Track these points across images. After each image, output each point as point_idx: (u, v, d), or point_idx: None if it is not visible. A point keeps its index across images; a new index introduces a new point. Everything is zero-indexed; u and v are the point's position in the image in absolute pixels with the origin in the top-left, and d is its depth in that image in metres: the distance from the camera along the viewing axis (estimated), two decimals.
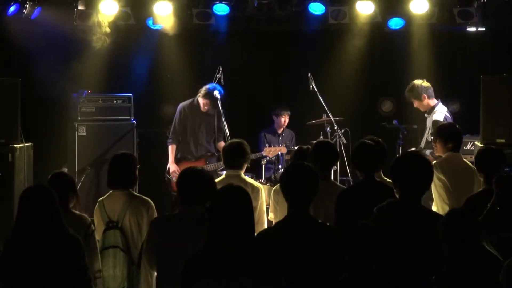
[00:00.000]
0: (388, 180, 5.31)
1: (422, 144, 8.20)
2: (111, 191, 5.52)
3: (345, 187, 6.28)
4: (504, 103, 7.43)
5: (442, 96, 8.58)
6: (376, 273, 3.88)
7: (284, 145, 9.28)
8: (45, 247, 4.25)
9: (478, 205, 4.91)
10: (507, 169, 5.04)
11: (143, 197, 5.52)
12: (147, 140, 9.57)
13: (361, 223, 4.02)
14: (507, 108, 7.40)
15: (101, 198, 5.55)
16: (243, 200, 3.93)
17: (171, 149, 8.85)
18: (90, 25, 8.82)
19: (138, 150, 8.88)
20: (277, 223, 4.61)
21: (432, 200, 6.47)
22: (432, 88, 8.27)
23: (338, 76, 9.98)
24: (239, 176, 6.17)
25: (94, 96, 8.94)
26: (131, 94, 9.04)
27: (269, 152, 8.84)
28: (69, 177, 5.42)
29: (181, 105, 8.92)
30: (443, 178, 6.29)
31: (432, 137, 7.93)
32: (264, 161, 8.86)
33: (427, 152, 7.82)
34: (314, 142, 6.85)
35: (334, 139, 8.76)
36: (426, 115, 8.26)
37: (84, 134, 8.79)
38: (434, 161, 6.47)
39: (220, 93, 8.59)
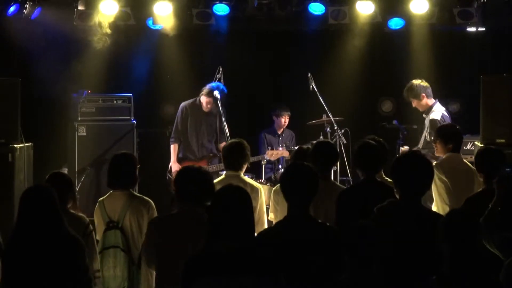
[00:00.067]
0: (389, 180, 5.31)
1: (420, 144, 8.21)
2: (111, 191, 5.52)
3: (345, 187, 6.28)
4: (504, 103, 7.42)
5: (442, 96, 8.59)
6: (376, 273, 3.88)
7: (284, 145, 9.29)
8: (45, 247, 4.26)
9: (478, 205, 4.91)
10: (508, 169, 5.04)
11: (144, 197, 5.52)
12: (147, 140, 9.57)
13: (361, 223, 4.03)
14: (507, 108, 7.40)
15: (101, 198, 5.55)
16: (243, 200, 3.93)
17: (173, 149, 8.85)
18: (91, 25, 8.82)
19: (138, 150, 8.88)
20: (277, 223, 4.61)
21: (431, 200, 6.47)
22: (430, 88, 8.28)
23: (338, 76, 9.98)
24: (238, 176, 6.17)
25: (94, 96, 8.94)
26: (131, 94, 9.04)
27: (271, 155, 8.84)
28: (67, 178, 5.42)
29: (182, 104, 8.93)
30: (444, 178, 6.29)
31: (430, 137, 7.97)
32: (264, 161, 8.85)
33: (424, 152, 7.85)
34: (314, 142, 6.85)
35: (334, 139, 8.76)
36: (424, 115, 8.27)
37: (84, 134, 8.79)
38: (435, 162, 6.47)
39: (223, 92, 8.59)
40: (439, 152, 6.63)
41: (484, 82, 7.54)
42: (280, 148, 9.11)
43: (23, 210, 4.35)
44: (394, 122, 9.16)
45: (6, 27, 8.66)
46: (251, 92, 10.17)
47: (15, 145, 7.54)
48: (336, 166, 8.17)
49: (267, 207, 6.33)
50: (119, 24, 9.02)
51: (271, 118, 9.92)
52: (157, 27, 9.15)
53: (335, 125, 8.80)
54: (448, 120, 8.01)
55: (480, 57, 9.93)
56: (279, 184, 4.97)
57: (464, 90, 9.68)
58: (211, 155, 8.80)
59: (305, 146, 6.55)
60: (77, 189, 8.45)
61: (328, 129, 9.04)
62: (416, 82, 8.31)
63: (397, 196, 4.50)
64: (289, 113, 9.83)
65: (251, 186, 6.10)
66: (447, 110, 8.44)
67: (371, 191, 5.23)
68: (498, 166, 5.36)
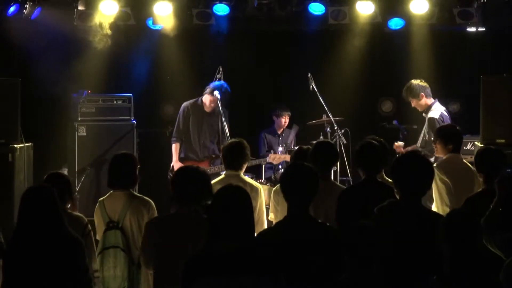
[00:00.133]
0: (389, 180, 5.32)
1: (419, 143, 8.22)
2: (111, 191, 5.52)
3: (345, 187, 6.28)
4: (504, 103, 7.42)
5: (442, 96, 8.59)
6: (376, 273, 3.88)
7: (284, 145, 9.29)
8: (46, 247, 4.26)
9: (478, 205, 4.91)
10: (509, 170, 5.04)
11: (144, 197, 5.52)
12: (147, 140, 9.57)
13: (361, 223, 4.03)
14: (507, 108, 7.40)
15: (101, 198, 5.55)
16: (243, 200, 3.93)
17: (175, 148, 8.83)
18: (91, 26, 8.82)
19: (138, 150, 8.88)
20: (277, 223, 4.61)
21: (431, 200, 6.47)
22: (429, 88, 8.29)
23: (338, 76, 9.98)
24: (238, 176, 6.17)
25: (94, 96, 8.94)
26: (131, 94, 9.04)
27: (274, 159, 8.85)
28: (65, 178, 5.42)
29: (184, 104, 8.91)
30: (446, 179, 6.29)
31: (428, 136, 7.98)
32: (264, 161, 8.87)
33: (422, 150, 7.88)
34: (314, 142, 6.85)
35: (334, 139, 8.76)
36: (424, 114, 8.27)
37: (84, 134, 8.79)
38: (436, 163, 6.48)
39: (227, 91, 8.58)
40: (439, 153, 6.64)
41: (484, 82, 7.53)
42: (280, 149, 9.12)
43: (24, 210, 4.36)
44: (394, 122, 9.17)
45: (6, 27, 8.67)
46: (251, 92, 10.17)
47: (15, 145, 7.54)
48: (336, 166, 8.17)
49: (267, 207, 6.34)
50: (119, 24, 9.02)
51: (271, 118, 9.93)
52: (157, 27, 9.15)
53: (335, 125, 8.80)
54: (447, 120, 8.01)
55: (480, 57, 9.93)
56: (279, 184, 4.97)
57: (464, 90, 9.69)
58: (213, 156, 8.78)
59: (305, 146, 6.55)
60: (77, 189, 8.46)
61: (328, 129, 9.04)
62: (415, 82, 8.32)
63: (397, 196, 4.51)
64: (289, 113, 9.83)
65: (251, 185, 6.10)
66: (447, 109, 8.44)
67: (372, 191, 5.23)
68: (498, 166, 5.36)
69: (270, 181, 8.61)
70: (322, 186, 4.54)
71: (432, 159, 7.29)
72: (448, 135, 6.58)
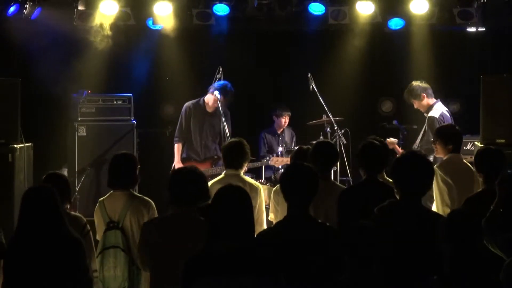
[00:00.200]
0: (390, 180, 5.32)
1: (417, 142, 8.23)
2: (111, 191, 5.52)
3: (345, 187, 6.28)
4: (504, 103, 7.42)
5: (442, 96, 8.59)
6: (376, 273, 3.88)
7: (284, 145, 9.29)
8: (46, 247, 4.26)
9: (478, 205, 4.91)
10: (510, 171, 5.03)
11: (144, 197, 5.52)
12: (147, 140, 9.57)
13: (361, 223, 4.03)
14: (507, 108, 7.39)
15: (101, 198, 5.55)
16: (243, 200, 3.94)
17: (177, 148, 8.82)
18: (93, 27, 8.82)
19: (138, 150, 8.88)
20: (277, 223, 4.61)
21: (431, 200, 6.46)
22: (431, 89, 8.30)
23: (338, 76, 9.98)
24: (238, 176, 6.17)
25: (94, 96, 8.94)
26: (131, 95, 9.04)
27: (276, 162, 8.85)
28: (64, 178, 5.43)
29: (186, 104, 8.91)
30: (448, 180, 6.27)
31: (426, 134, 7.99)
32: (265, 164, 8.87)
33: (419, 148, 7.89)
34: (314, 142, 6.85)
35: (334, 139, 8.76)
36: (425, 114, 8.28)
37: (84, 134, 8.79)
38: (437, 163, 6.48)
39: (230, 90, 8.58)
40: (439, 153, 6.63)
41: (484, 82, 7.53)
42: (280, 149, 9.12)
43: (25, 210, 4.36)
44: (394, 122, 9.17)
45: (6, 27, 8.67)
46: (251, 92, 10.17)
47: (15, 145, 7.53)
48: (336, 166, 8.17)
49: (267, 207, 6.34)
50: (119, 24, 9.02)
51: (271, 118, 9.92)
52: (157, 27, 9.15)
53: (335, 125, 8.80)
54: (447, 120, 8.01)
55: (480, 57, 9.93)
56: (279, 184, 4.97)
57: (464, 90, 9.69)
58: (215, 157, 8.76)
59: (305, 146, 6.55)
60: (77, 189, 8.47)
61: (328, 129, 9.04)
62: (416, 83, 8.34)
63: (397, 196, 4.51)
64: (289, 113, 9.83)
65: (251, 185, 6.10)
66: (449, 110, 8.44)
67: (372, 191, 5.24)
68: (498, 166, 5.36)
69: (270, 181, 8.61)
70: (322, 186, 4.54)
71: (431, 159, 7.29)
72: (448, 135, 6.57)
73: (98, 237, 5.46)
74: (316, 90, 8.83)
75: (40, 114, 9.41)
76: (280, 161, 8.85)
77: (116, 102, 8.98)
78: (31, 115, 8.58)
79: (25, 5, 8.54)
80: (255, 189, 6.07)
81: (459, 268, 3.92)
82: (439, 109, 8.14)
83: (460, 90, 9.84)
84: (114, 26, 8.93)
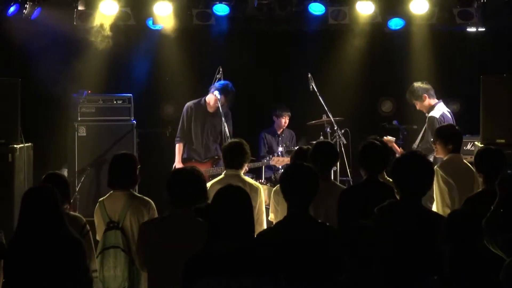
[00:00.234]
0: (391, 180, 5.32)
1: (417, 142, 8.23)
2: (111, 192, 5.52)
3: (345, 187, 6.29)
4: (504, 103, 7.42)
5: (442, 96, 8.59)
6: (376, 273, 3.88)
7: (284, 145, 9.29)
8: (47, 247, 4.26)
9: (478, 205, 4.91)
10: (510, 171, 5.03)
11: (144, 197, 5.52)
12: (147, 140, 9.57)
13: (361, 223, 4.03)
14: (507, 108, 7.39)
15: (101, 199, 5.55)
16: (243, 200, 3.94)
17: (178, 148, 8.82)
18: (94, 27, 8.82)
19: (138, 150, 8.87)
20: (277, 223, 4.61)
21: (432, 200, 6.46)
22: (433, 90, 8.31)
23: (338, 76, 9.98)
24: (238, 176, 6.17)
25: (94, 97, 8.94)
26: (131, 95, 9.03)
27: (277, 162, 8.85)
28: (63, 178, 5.42)
29: (188, 104, 8.91)
30: (450, 181, 6.25)
31: (426, 134, 7.99)
32: (266, 164, 8.87)
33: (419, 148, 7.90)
34: (314, 142, 6.85)
35: (334, 140, 8.76)
36: (427, 114, 8.28)
37: (84, 134, 8.78)
38: (438, 164, 6.47)
39: (232, 90, 8.58)
40: (439, 153, 6.63)
41: (484, 82, 7.53)
42: (280, 149, 9.12)
43: (25, 210, 4.35)
44: (394, 122, 9.17)
45: (6, 27, 8.67)
46: (251, 92, 10.17)
47: (15, 145, 7.53)
48: (336, 166, 8.17)
49: (267, 207, 6.34)
50: (119, 24, 9.02)
51: (271, 118, 9.92)
52: (157, 27, 9.15)
53: (335, 125, 8.80)
54: (448, 120, 8.01)
55: (480, 57, 9.93)
56: (279, 185, 4.97)
57: (464, 90, 9.69)
58: (216, 157, 8.75)
59: (305, 146, 6.55)
60: (77, 189, 8.47)
61: (328, 129, 9.04)
62: (417, 84, 8.35)
63: (397, 196, 4.51)
64: (289, 113, 9.83)
65: (251, 185, 6.10)
66: (452, 111, 8.43)
67: (373, 191, 5.23)
68: (497, 166, 5.36)
69: (270, 181, 8.61)
70: (322, 186, 4.54)
71: (430, 159, 7.29)
72: (447, 135, 6.57)
73: (98, 237, 5.46)
74: (316, 90, 8.83)
75: (40, 114, 9.41)
76: (281, 161, 8.85)
77: (116, 102, 8.98)
78: (31, 115, 8.57)
79: (25, 5, 8.54)
80: (255, 190, 6.07)
81: (459, 268, 3.92)
82: (440, 110, 8.15)
83: (460, 90, 9.84)
84: (114, 26, 8.93)
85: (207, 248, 3.85)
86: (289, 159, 8.64)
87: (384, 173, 5.78)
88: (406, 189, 4.43)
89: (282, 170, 7.85)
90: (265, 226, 6.04)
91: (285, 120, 9.80)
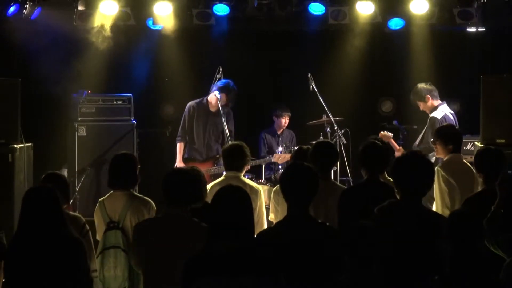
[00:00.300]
0: (392, 180, 5.32)
1: (417, 142, 8.23)
2: (111, 192, 5.52)
3: (345, 187, 6.28)
4: (504, 103, 7.42)
5: (442, 96, 8.59)
6: (376, 273, 3.88)
7: (284, 145, 9.28)
8: (47, 247, 4.26)
9: (478, 205, 4.91)
10: (510, 171, 5.03)
11: (144, 197, 5.52)
12: (147, 140, 9.57)
13: (361, 223, 4.03)
14: (507, 108, 7.39)
15: (101, 199, 5.55)
16: (243, 200, 3.94)
17: (179, 148, 8.81)
18: (94, 27, 8.82)
19: (138, 150, 8.88)
20: (277, 223, 4.61)
21: (432, 200, 6.46)
22: (436, 91, 8.32)
23: (338, 76, 9.98)
24: (238, 178, 6.17)
25: (94, 97, 8.94)
26: (131, 95, 9.04)
27: (278, 159, 8.85)
28: (63, 179, 5.42)
29: (189, 103, 8.90)
30: (452, 181, 6.24)
31: (426, 134, 7.99)
32: (268, 161, 8.88)
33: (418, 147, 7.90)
34: (314, 142, 6.85)
35: (334, 140, 8.76)
36: (430, 115, 8.29)
37: (84, 134, 8.79)
38: (439, 164, 6.47)
39: (233, 89, 8.59)
40: (440, 154, 6.63)
41: (484, 82, 7.53)
42: (280, 149, 9.11)
43: (26, 210, 4.35)
44: (394, 122, 9.17)
45: (6, 27, 8.67)
46: (251, 92, 10.17)
47: (15, 145, 7.53)
48: (336, 166, 8.17)
49: (267, 207, 6.34)
50: (119, 24, 9.02)
51: (271, 118, 9.92)
52: (157, 27, 9.15)
53: (335, 125, 8.80)
54: (450, 122, 7.99)
55: (480, 57, 9.93)
56: (279, 185, 4.97)
57: (464, 90, 9.68)
58: (217, 156, 8.75)
59: (305, 146, 6.55)
60: (77, 189, 8.47)
61: (328, 129, 9.04)
62: (421, 85, 8.38)
63: (398, 196, 4.51)
64: (289, 113, 9.82)
65: (251, 187, 6.10)
66: (454, 113, 8.42)
67: (373, 191, 5.23)
68: (497, 166, 5.36)
69: (270, 181, 8.60)
70: (322, 186, 4.54)
71: (433, 160, 7.29)
72: (448, 135, 6.57)
73: (98, 237, 5.46)
74: (316, 90, 8.83)
75: (40, 114, 9.41)
76: (282, 158, 8.85)
77: (116, 102, 8.98)
78: (31, 115, 8.57)
79: (25, 5, 8.54)
80: (255, 191, 6.07)
81: (459, 268, 3.92)
82: (443, 111, 8.16)
83: (460, 90, 9.84)
84: (114, 26, 8.93)
85: (207, 248, 3.85)
86: (290, 155, 8.66)
87: (385, 173, 5.78)
88: (406, 189, 4.43)
89: (282, 170, 7.86)
90: (265, 228, 6.03)
91: (285, 120, 9.79)
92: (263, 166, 8.87)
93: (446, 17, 8.98)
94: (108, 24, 8.85)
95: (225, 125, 8.40)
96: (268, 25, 9.55)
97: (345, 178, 8.86)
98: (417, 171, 4.43)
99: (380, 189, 5.22)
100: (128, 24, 9.09)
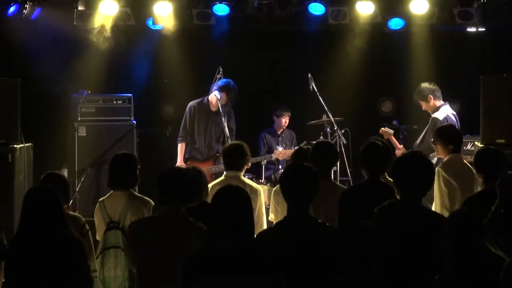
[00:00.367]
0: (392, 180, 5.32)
1: (417, 142, 8.23)
2: (111, 192, 5.52)
3: (345, 187, 6.28)
4: (504, 103, 7.42)
5: (442, 96, 8.59)
6: (376, 273, 3.88)
7: (284, 145, 9.28)
8: (47, 248, 4.26)
9: (478, 205, 4.91)
10: (510, 171, 5.03)
11: (144, 197, 5.52)
12: (147, 140, 9.57)
13: (361, 223, 4.03)
14: (507, 108, 7.40)
15: (101, 199, 5.55)
16: (243, 200, 3.93)
17: (180, 148, 8.81)
18: (94, 27, 8.82)
19: (138, 150, 8.87)
20: (277, 223, 4.61)
21: (431, 200, 6.45)
22: (439, 91, 8.32)
23: (338, 76, 9.98)
24: (238, 178, 6.17)
25: (94, 97, 8.94)
26: (131, 95, 9.04)
27: (279, 155, 8.84)
28: (63, 179, 5.42)
29: (190, 103, 8.90)
30: (452, 181, 6.24)
31: (428, 134, 7.99)
32: (264, 162, 8.85)
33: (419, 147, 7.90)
34: (314, 142, 6.85)
35: (334, 140, 8.76)
36: (432, 115, 8.28)
37: (84, 134, 8.79)
38: (440, 164, 6.47)
39: (234, 88, 8.59)
40: (440, 154, 6.62)
41: (484, 82, 7.53)
42: (280, 149, 9.10)
43: (26, 210, 4.35)
44: (394, 122, 9.17)
45: (6, 27, 8.67)
46: (251, 92, 10.16)
47: (15, 145, 7.53)
48: (336, 166, 8.17)
49: (267, 207, 6.34)
50: (119, 24, 9.02)
51: (271, 118, 9.92)
52: (157, 27, 9.15)
53: (335, 125, 8.80)
54: (452, 123, 7.98)
55: (480, 57, 9.93)
56: (279, 185, 4.97)
57: (464, 90, 9.68)
58: (217, 154, 8.74)
59: (305, 146, 6.55)
60: (77, 189, 8.47)
61: (328, 129, 9.04)
62: (424, 84, 8.38)
63: (398, 196, 4.51)
64: (290, 113, 9.83)
65: (251, 187, 6.10)
66: (457, 114, 8.41)
67: (373, 191, 5.23)
68: (497, 166, 5.36)
69: (270, 181, 8.60)
70: (322, 186, 4.53)
71: (434, 160, 7.28)
72: (448, 135, 6.57)
73: (98, 237, 5.46)
74: (316, 90, 8.83)
75: (40, 114, 9.41)
76: (283, 154, 8.84)
77: (116, 102, 8.98)
78: (31, 115, 8.57)
79: (25, 5, 8.54)
80: (255, 191, 6.07)
81: (459, 268, 3.92)
82: (444, 112, 8.16)
83: (460, 90, 9.83)
84: (114, 26, 8.93)
85: (207, 248, 3.85)
86: (291, 151, 8.65)
87: (386, 173, 5.78)
88: (406, 189, 4.43)
89: (282, 170, 7.86)
90: (265, 228, 6.03)
91: (285, 120, 9.80)
92: (263, 166, 8.86)
93: (446, 17, 8.98)
94: (108, 24, 8.85)
95: (225, 125, 8.40)
96: (268, 25, 9.55)
97: (345, 178, 8.86)
98: (417, 171, 4.43)
99: (380, 189, 5.22)
100: (128, 24, 9.09)
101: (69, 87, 9.08)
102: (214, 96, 8.61)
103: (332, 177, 6.98)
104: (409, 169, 4.44)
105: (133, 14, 9.01)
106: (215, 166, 8.62)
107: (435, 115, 8.13)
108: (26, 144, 7.77)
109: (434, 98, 8.27)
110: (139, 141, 9.04)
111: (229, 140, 7.96)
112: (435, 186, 6.12)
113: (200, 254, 3.85)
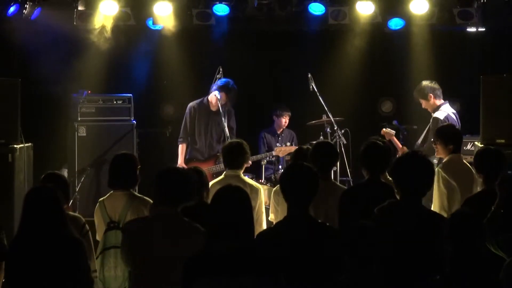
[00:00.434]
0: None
1: (419, 142, 8.23)
2: (111, 192, 5.52)
3: (345, 187, 6.28)
4: (504, 103, 7.42)
5: (442, 96, 8.59)
6: (376, 273, 3.88)
7: (284, 145, 9.27)
8: (47, 248, 4.26)
9: (478, 205, 4.91)
10: (510, 171, 5.03)
11: (144, 197, 5.51)
12: (147, 140, 9.57)
13: (361, 223, 4.03)
14: (507, 108, 7.40)
15: (101, 199, 5.55)
16: (243, 200, 3.93)
17: (181, 149, 8.80)
18: (94, 27, 8.82)
19: (138, 150, 8.87)
20: (277, 223, 4.62)
21: (431, 201, 6.45)
22: (440, 90, 8.32)
23: (338, 76, 9.98)
24: (238, 176, 6.18)
25: (94, 97, 8.94)
26: (131, 95, 9.04)
27: (280, 151, 8.84)
28: (63, 179, 5.42)
29: (190, 104, 8.90)
30: (452, 182, 6.23)
31: (429, 134, 7.99)
32: (264, 161, 8.85)
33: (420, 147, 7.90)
34: (314, 142, 6.85)
35: (334, 140, 8.76)
36: (432, 114, 8.28)
37: (84, 134, 8.79)
38: (440, 165, 6.46)
39: (233, 88, 8.59)
40: (440, 154, 6.62)
41: (484, 82, 7.54)
42: (281, 146, 9.08)
43: (27, 210, 4.35)
44: (394, 122, 9.17)
45: (6, 27, 8.67)
46: (251, 92, 10.17)
47: (15, 145, 7.53)
48: (336, 166, 8.17)
49: (267, 207, 6.33)
50: (119, 24, 9.02)
51: (271, 118, 9.93)
52: (157, 27, 9.15)
53: (335, 125, 8.80)
54: (452, 122, 7.99)
55: (480, 57, 9.93)
56: (279, 185, 4.97)
57: (464, 90, 9.68)
58: (218, 154, 8.74)
59: (305, 146, 6.55)
60: (77, 189, 8.47)
61: (328, 129, 9.04)
62: (425, 83, 8.37)
63: (397, 196, 4.51)
64: (289, 113, 9.83)
65: (251, 186, 6.11)
66: (457, 113, 8.41)
67: (374, 191, 5.23)
68: (497, 166, 5.36)
69: (270, 181, 8.60)
70: (322, 186, 4.53)
71: (435, 161, 7.28)
72: (448, 135, 6.57)
73: (98, 238, 5.46)
74: (316, 90, 8.83)
75: (40, 114, 9.41)
76: (284, 151, 8.83)
77: (116, 102, 8.98)
78: (31, 115, 8.57)
79: (25, 5, 8.54)
80: (255, 190, 6.08)
81: (460, 268, 3.92)
82: (445, 111, 8.15)
83: (460, 90, 9.83)
84: (114, 26, 8.93)
85: (207, 248, 3.85)
86: (292, 147, 8.65)
87: (386, 173, 5.78)
88: (406, 189, 4.43)
89: (282, 170, 7.86)
90: (264, 226, 6.04)
91: (285, 120, 9.80)
92: (263, 166, 8.86)
93: (446, 17, 8.98)
94: (108, 24, 8.85)
95: (225, 125, 8.41)
96: (268, 25, 9.55)
97: (345, 178, 8.86)
98: (417, 171, 4.43)
99: (381, 189, 5.22)
100: (128, 24, 9.09)
101: (69, 87, 9.09)
102: (214, 96, 8.61)
103: (332, 177, 6.98)
104: (409, 169, 4.44)
105: (133, 14, 9.01)
106: (216, 165, 8.62)
107: (435, 114, 8.12)
108: (26, 144, 7.77)
109: (435, 97, 8.27)
110: (139, 141, 9.05)
111: (229, 140, 7.96)
112: (435, 186, 6.11)
113: (200, 254, 3.85)
